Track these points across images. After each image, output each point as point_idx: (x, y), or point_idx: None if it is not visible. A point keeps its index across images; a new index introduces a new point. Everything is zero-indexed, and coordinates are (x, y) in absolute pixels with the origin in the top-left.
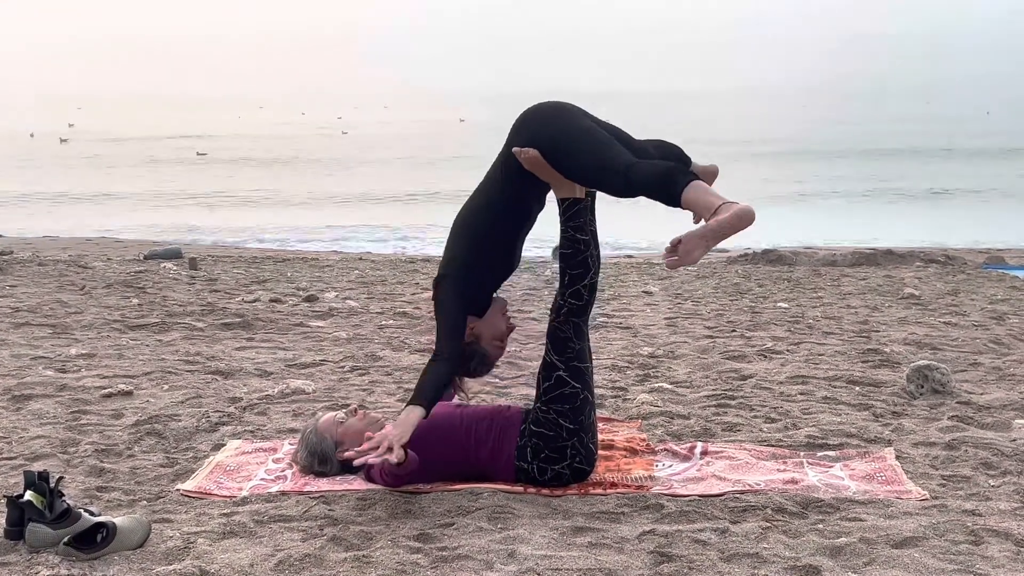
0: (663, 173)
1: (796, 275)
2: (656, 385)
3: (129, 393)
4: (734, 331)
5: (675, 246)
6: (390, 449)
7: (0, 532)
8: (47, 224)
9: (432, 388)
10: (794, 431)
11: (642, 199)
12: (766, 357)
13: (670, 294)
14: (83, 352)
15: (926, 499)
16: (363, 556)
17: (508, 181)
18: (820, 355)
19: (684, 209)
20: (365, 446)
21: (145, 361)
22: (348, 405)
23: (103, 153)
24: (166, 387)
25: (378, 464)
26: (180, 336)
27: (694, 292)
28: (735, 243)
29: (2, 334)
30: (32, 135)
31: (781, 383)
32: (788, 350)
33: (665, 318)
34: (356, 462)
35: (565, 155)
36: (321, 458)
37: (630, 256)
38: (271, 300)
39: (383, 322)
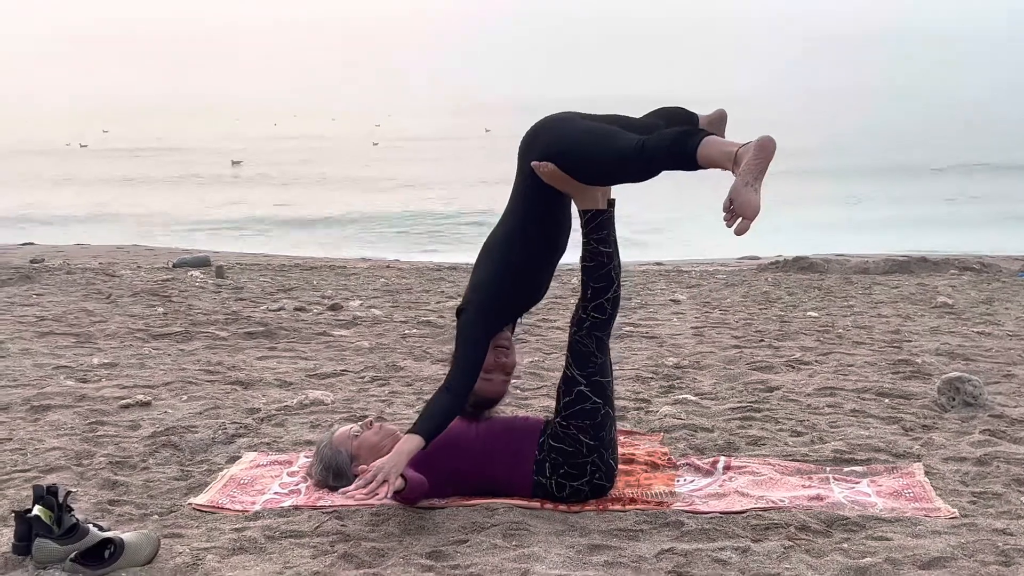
0: (672, 141)
1: (827, 283)
2: (680, 397)
3: (147, 404)
4: (762, 341)
5: (729, 209)
6: (384, 481)
7: (9, 547)
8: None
9: (435, 419)
10: (820, 445)
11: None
12: (794, 368)
13: (698, 302)
14: (105, 361)
15: (955, 517)
16: (374, 575)
17: (528, 205)
18: (849, 366)
19: (705, 168)
20: (358, 481)
21: (166, 371)
22: (365, 417)
23: (144, 164)
24: (185, 397)
25: (378, 497)
26: (202, 345)
27: (722, 300)
28: (766, 251)
29: (26, 343)
30: (85, 145)
31: (809, 395)
32: (816, 361)
33: (692, 327)
34: (356, 496)
35: (579, 159)
36: (336, 472)
37: (659, 264)
38: (295, 309)
39: (406, 331)
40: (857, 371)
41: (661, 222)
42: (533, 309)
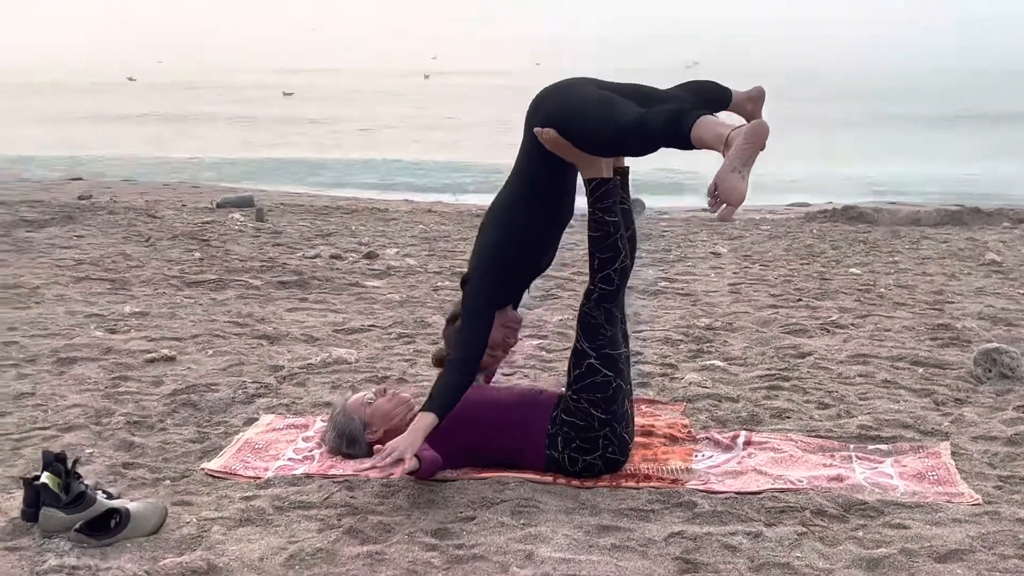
0: (669, 118)
1: (874, 236)
2: (708, 362)
3: (172, 359)
4: (800, 300)
5: (714, 195)
6: (401, 460)
7: (18, 513)
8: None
9: (446, 396)
10: (847, 419)
11: None
12: (828, 332)
13: (739, 256)
14: (136, 310)
15: (978, 504)
16: (377, 553)
17: (532, 171)
18: (887, 331)
19: (700, 149)
20: (374, 458)
21: (195, 322)
22: (386, 379)
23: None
24: (210, 352)
25: (392, 476)
26: (235, 295)
27: (764, 254)
28: (816, 199)
29: (62, 288)
30: (133, 79)
31: (841, 362)
32: (853, 324)
33: (729, 283)
34: (371, 475)
35: (580, 128)
36: (349, 439)
37: (706, 210)
38: (331, 256)
39: (438, 283)
40: (894, 336)
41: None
42: (566, 262)
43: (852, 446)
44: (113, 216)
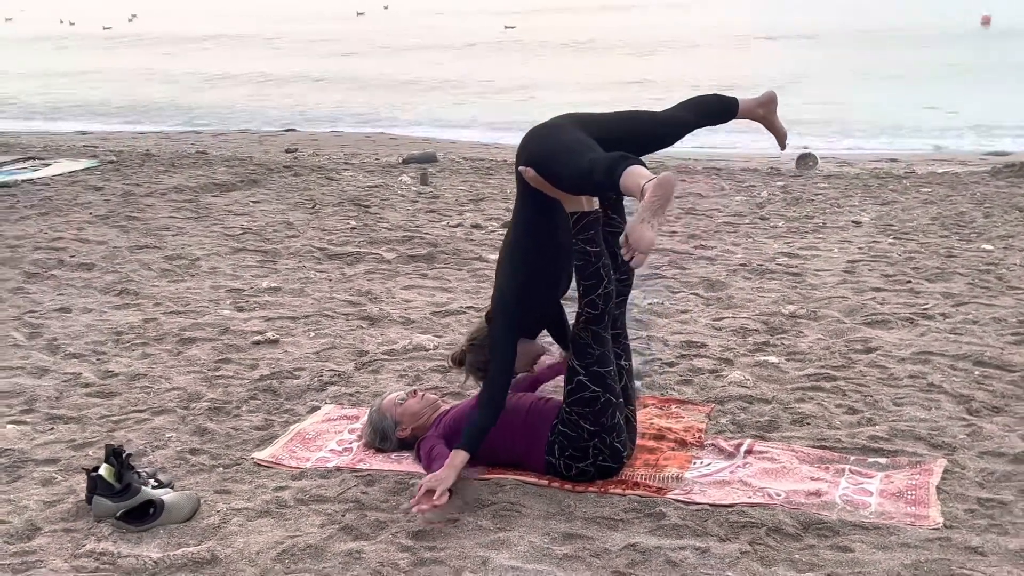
0: (608, 166)
1: None
2: (763, 359)
3: (275, 342)
4: (909, 282)
5: (626, 243)
6: (432, 492)
7: (83, 497)
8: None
9: (477, 436)
10: (864, 428)
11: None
12: (912, 322)
13: (879, 226)
14: (272, 285)
15: (937, 528)
16: (357, 551)
17: (527, 210)
18: (973, 323)
19: (627, 196)
20: (416, 497)
21: (316, 300)
22: (419, 379)
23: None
24: (312, 335)
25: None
26: (364, 270)
27: (905, 223)
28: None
29: (218, 259)
30: (361, 13)
31: (901, 360)
32: (944, 314)
33: (848, 260)
34: (414, 511)
35: (551, 172)
36: (382, 436)
37: (892, 161)
38: (472, 225)
39: None
40: (977, 330)
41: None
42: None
43: (852, 458)
44: (296, 178)
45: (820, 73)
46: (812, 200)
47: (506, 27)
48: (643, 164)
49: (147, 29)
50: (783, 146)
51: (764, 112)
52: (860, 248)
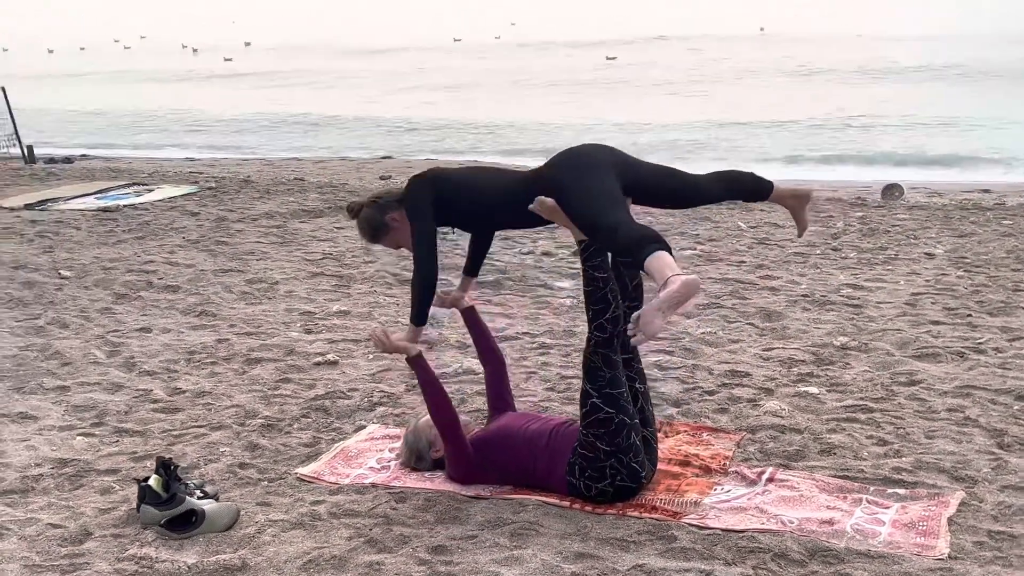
0: (638, 240)
1: None
2: (804, 389)
3: (335, 363)
4: (969, 316)
5: (636, 321)
6: (385, 341)
7: (134, 505)
8: None
9: (417, 300)
10: (890, 459)
11: None
12: (962, 356)
13: (951, 258)
14: (342, 309)
15: (942, 559)
16: (378, 563)
17: (526, 191)
18: None
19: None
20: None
21: (380, 324)
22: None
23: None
24: (371, 357)
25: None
26: None
27: (979, 256)
28: None
29: (296, 283)
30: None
31: (943, 394)
32: (997, 348)
33: (912, 293)
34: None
35: (576, 210)
36: (417, 456)
37: (984, 192)
38: (543, 253)
39: None
40: None
41: None
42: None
43: (872, 488)
44: None
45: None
46: (888, 231)
47: (608, 58)
48: (671, 251)
49: (266, 63)
50: (800, 235)
51: (794, 203)
52: (927, 280)
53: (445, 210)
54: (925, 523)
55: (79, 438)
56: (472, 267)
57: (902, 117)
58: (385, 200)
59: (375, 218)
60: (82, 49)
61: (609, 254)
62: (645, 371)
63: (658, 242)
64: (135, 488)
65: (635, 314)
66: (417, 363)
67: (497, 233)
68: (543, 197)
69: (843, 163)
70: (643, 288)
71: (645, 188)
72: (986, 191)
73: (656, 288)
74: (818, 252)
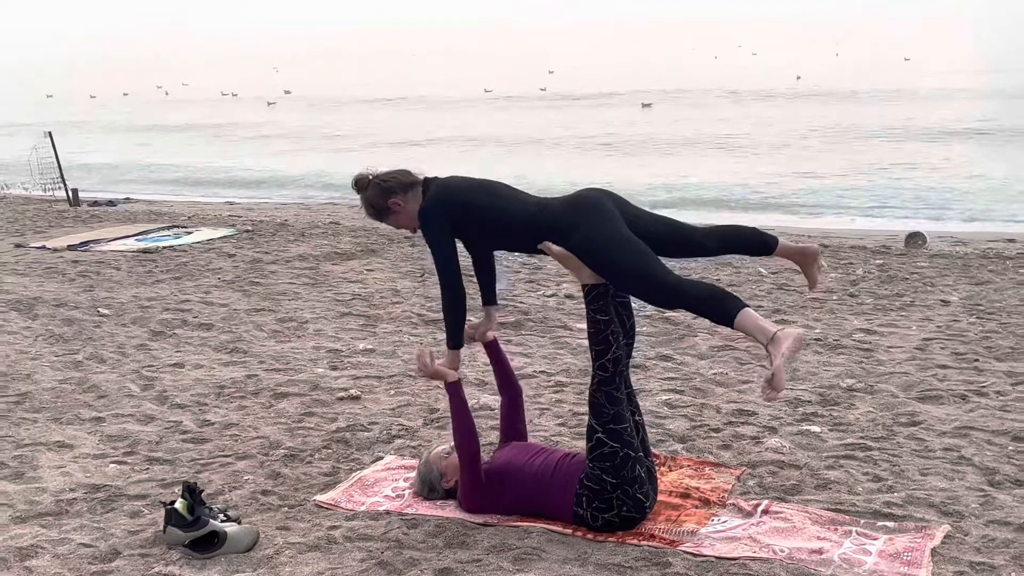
0: (710, 296)
1: None
2: (806, 428)
3: (357, 398)
4: (976, 360)
5: (771, 383)
6: (429, 367)
7: (161, 527)
8: None
9: (451, 322)
10: (882, 495)
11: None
12: (964, 399)
13: (966, 306)
14: (368, 347)
15: None
16: None
17: (545, 219)
18: None
19: (736, 332)
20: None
21: (403, 362)
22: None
23: None
24: (392, 392)
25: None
26: None
27: (993, 303)
28: None
29: (325, 323)
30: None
31: (941, 434)
32: (999, 392)
33: (923, 338)
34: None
35: (608, 262)
36: (429, 486)
37: (1009, 241)
38: (566, 296)
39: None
40: None
41: None
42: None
43: (862, 521)
44: (412, 249)
45: None
46: (907, 279)
47: (643, 105)
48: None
49: (306, 114)
50: (811, 290)
51: (801, 259)
52: (939, 326)
53: (463, 224)
54: (910, 553)
55: (112, 465)
56: (489, 295)
57: (934, 169)
58: (389, 184)
59: (378, 200)
60: (125, 95)
61: (610, 296)
62: (655, 409)
63: (734, 298)
64: (162, 511)
65: (765, 377)
66: (454, 390)
67: (521, 276)
68: (549, 243)
69: (872, 215)
70: (634, 328)
71: (647, 234)
72: (1011, 240)
73: (760, 341)
74: (835, 298)
